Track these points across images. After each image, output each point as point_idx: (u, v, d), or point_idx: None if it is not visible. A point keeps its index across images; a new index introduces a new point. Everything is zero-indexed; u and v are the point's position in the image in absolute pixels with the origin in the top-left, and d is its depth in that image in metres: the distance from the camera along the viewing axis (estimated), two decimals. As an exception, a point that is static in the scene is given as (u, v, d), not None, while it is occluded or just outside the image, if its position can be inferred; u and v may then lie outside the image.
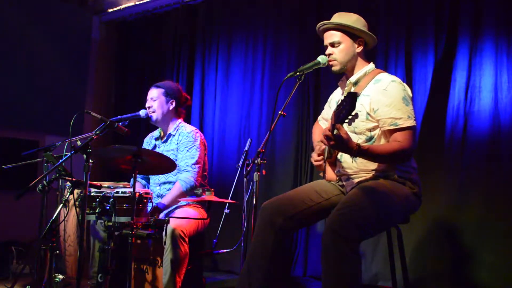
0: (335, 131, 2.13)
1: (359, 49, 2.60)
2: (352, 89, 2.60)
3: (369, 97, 2.48)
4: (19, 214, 4.36)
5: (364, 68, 2.61)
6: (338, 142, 2.16)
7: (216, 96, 4.89)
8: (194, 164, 3.33)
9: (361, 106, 2.46)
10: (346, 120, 2.07)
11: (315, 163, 2.66)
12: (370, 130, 2.50)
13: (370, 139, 2.51)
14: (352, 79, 2.60)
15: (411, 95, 2.50)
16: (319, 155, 2.63)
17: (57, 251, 2.79)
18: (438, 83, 3.61)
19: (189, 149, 3.37)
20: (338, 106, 2.10)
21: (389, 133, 2.44)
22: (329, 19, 2.63)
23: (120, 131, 2.86)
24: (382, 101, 2.44)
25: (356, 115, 2.05)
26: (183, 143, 3.40)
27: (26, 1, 5.03)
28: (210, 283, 4.00)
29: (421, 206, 2.59)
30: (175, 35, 5.26)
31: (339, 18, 2.61)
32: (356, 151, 2.23)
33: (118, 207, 2.72)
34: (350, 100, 2.02)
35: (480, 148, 3.40)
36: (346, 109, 2.03)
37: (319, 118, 2.99)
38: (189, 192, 3.28)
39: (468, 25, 3.50)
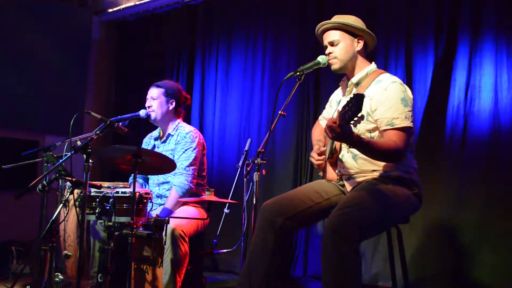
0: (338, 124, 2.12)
1: (359, 47, 2.60)
2: (354, 90, 2.60)
3: (370, 97, 2.47)
4: (19, 214, 4.36)
5: (365, 68, 2.61)
6: (342, 131, 2.12)
7: (216, 96, 4.89)
8: (188, 166, 3.32)
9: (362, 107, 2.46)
10: (352, 122, 2.06)
11: (315, 162, 2.65)
12: (370, 131, 2.49)
13: (370, 141, 2.51)
14: (354, 79, 2.60)
15: (411, 96, 2.49)
16: (319, 154, 2.63)
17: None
18: (438, 83, 3.61)
19: (185, 150, 3.36)
20: (344, 107, 2.09)
21: (386, 132, 2.43)
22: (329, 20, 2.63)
23: (120, 131, 2.86)
24: (381, 101, 2.44)
25: (362, 117, 2.04)
26: (180, 143, 3.39)
27: (26, 1, 5.03)
28: (210, 283, 4.00)
29: (421, 206, 2.59)
30: (175, 35, 5.26)
31: (337, 18, 2.62)
32: (356, 141, 2.21)
33: (118, 207, 2.72)
34: (357, 101, 2.01)
35: (480, 148, 3.39)
36: (352, 111, 2.02)
37: (320, 117, 2.99)
38: (185, 195, 3.27)
39: (468, 25, 3.50)
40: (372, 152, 2.37)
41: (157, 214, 3.15)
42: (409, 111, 2.42)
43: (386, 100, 2.42)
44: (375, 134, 2.49)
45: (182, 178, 3.28)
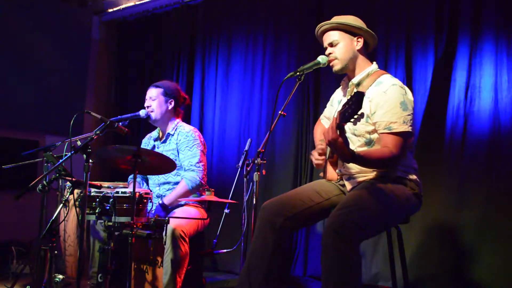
0: (338, 132, 2.12)
1: (359, 46, 2.59)
2: (355, 90, 2.59)
3: (370, 99, 2.47)
4: (19, 214, 4.36)
5: (366, 69, 2.60)
6: (338, 142, 2.14)
7: (216, 96, 4.89)
8: (197, 163, 3.34)
9: (362, 108, 2.45)
10: (352, 120, 2.06)
11: (315, 162, 2.65)
12: (369, 133, 2.49)
13: (369, 142, 2.50)
14: (355, 80, 2.59)
15: (412, 99, 2.47)
16: (320, 154, 2.63)
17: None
18: (438, 83, 3.61)
19: (190, 148, 3.37)
20: (344, 105, 2.09)
21: (382, 136, 2.42)
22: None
23: (120, 131, 2.86)
24: (380, 104, 2.43)
25: (362, 115, 2.04)
26: (183, 142, 3.40)
27: (26, 1, 5.03)
28: (210, 283, 4.00)
29: (421, 206, 2.59)
30: (175, 35, 5.26)
31: (336, 19, 2.62)
32: (351, 157, 2.22)
33: (118, 207, 2.72)
34: (357, 99, 2.01)
35: (480, 148, 3.39)
36: (352, 108, 2.02)
37: (321, 117, 2.99)
38: (194, 190, 3.28)
39: (468, 25, 3.50)
40: (367, 164, 2.38)
41: (157, 214, 3.15)
42: (408, 115, 2.40)
43: (385, 103, 2.41)
44: (374, 136, 2.49)
45: (194, 173, 3.30)
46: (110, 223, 2.71)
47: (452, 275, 3.41)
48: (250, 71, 4.68)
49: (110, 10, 5.65)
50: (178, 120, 3.54)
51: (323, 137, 2.75)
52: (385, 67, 3.79)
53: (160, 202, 3.24)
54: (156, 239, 2.93)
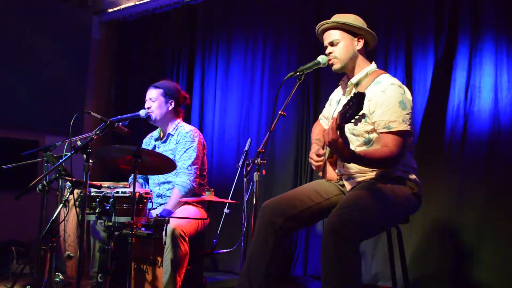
0: (338, 132, 2.12)
1: (359, 46, 2.59)
2: (354, 90, 2.59)
3: (369, 99, 2.46)
4: (19, 214, 4.36)
5: (365, 68, 2.60)
6: (338, 143, 2.14)
7: (216, 96, 4.89)
8: (190, 165, 3.32)
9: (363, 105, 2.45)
10: (352, 120, 2.06)
11: (315, 164, 2.64)
12: (368, 132, 2.49)
13: (368, 141, 2.50)
14: (354, 80, 2.59)
15: (410, 99, 2.47)
16: (318, 155, 2.62)
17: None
18: (438, 83, 3.61)
19: (186, 149, 3.36)
20: (344, 106, 2.09)
21: (382, 136, 2.43)
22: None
23: (120, 131, 2.86)
24: (379, 103, 2.43)
25: (363, 115, 2.04)
26: (181, 143, 3.39)
27: (26, 1, 5.03)
28: (210, 283, 4.00)
29: (421, 206, 2.59)
30: (175, 35, 5.26)
31: (337, 18, 2.61)
32: (351, 158, 2.22)
33: (118, 207, 2.72)
34: (358, 100, 2.01)
35: (480, 148, 3.39)
36: (353, 109, 2.03)
37: (320, 116, 2.99)
38: (187, 194, 3.27)
39: (468, 25, 3.50)
40: (368, 163, 2.38)
41: (157, 214, 3.15)
42: (407, 114, 2.40)
43: (384, 103, 2.41)
44: (373, 135, 2.49)
45: (185, 177, 3.29)
46: (110, 223, 2.70)
47: (452, 275, 3.41)
48: (250, 71, 4.68)
49: (110, 10, 5.65)
50: (179, 120, 3.53)
51: (319, 136, 2.75)
52: (385, 67, 3.79)
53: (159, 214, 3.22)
54: (156, 239, 2.93)
